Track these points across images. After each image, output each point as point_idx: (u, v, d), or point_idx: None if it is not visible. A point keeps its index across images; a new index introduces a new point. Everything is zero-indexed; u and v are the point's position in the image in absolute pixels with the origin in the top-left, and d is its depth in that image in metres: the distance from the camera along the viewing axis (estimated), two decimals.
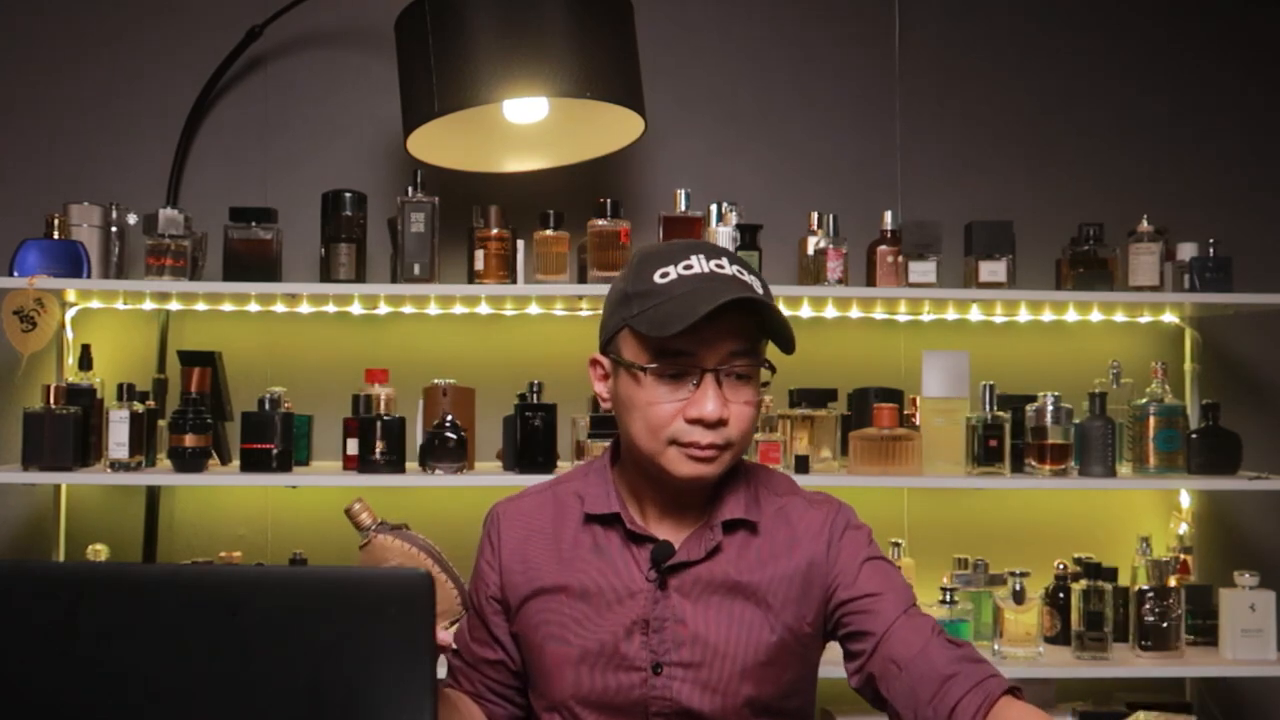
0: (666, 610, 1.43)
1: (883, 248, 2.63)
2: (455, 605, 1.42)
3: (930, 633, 1.39)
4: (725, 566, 1.45)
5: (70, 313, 2.70)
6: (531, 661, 1.48)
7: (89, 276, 2.51)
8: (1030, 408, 2.58)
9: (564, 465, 2.57)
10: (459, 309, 2.76)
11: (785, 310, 2.76)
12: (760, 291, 1.41)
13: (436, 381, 2.55)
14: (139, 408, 2.46)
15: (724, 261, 1.40)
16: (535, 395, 2.55)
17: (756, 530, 1.47)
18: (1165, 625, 2.52)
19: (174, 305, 2.74)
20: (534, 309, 2.76)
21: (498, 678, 1.52)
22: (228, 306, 2.75)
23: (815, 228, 2.67)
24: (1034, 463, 2.58)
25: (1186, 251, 2.67)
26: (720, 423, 1.37)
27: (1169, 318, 2.87)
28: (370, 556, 1.42)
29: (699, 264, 1.39)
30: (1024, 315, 2.82)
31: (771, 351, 1.48)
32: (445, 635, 1.31)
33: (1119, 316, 2.85)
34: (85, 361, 2.55)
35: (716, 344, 1.37)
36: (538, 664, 1.47)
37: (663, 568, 1.43)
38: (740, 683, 1.42)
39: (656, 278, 1.39)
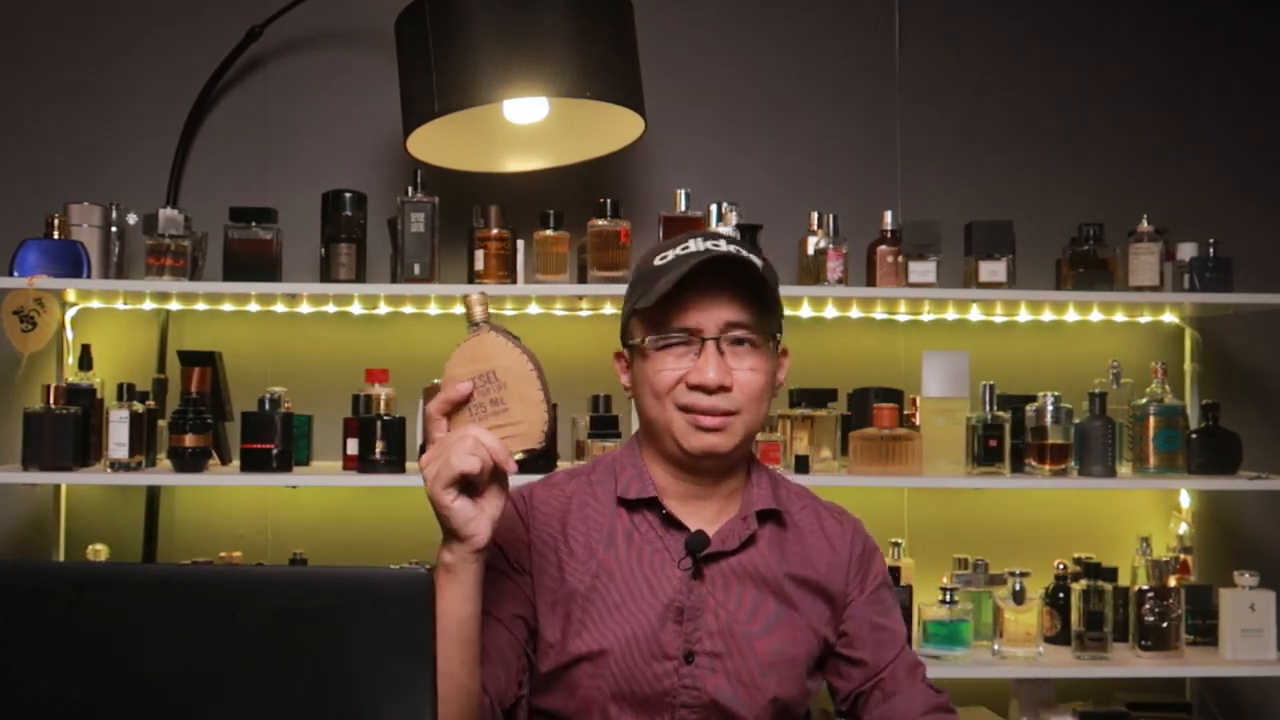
0: (699, 599, 1.45)
1: (883, 248, 2.63)
2: (540, 433, 1.28)
3: (918, 676, 1.53)
4: (757, 559, 1.49)
5: (70, 313, 2.70)
6: (562, 649, 1.46)
7: (89, 276, 2.51)
8: (1030, 408, 2.58)
9: (564, 464, 2.57)
10: (459, 309, 2.76)
11: (785, 310, 2.76)
12: (760, 268, 1.46)
13: (436, 381, 2.54)
14: (139, 408, 2.46)
15: (720, 242, 1.47)
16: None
17: (783, 523, 1.53)
18: (1165, 625, 2.52)
19: (174, 305, 2.74)
20: (534, 309, 2.76)
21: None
22: (228, 306, 2.75)
23: (815, 228, 2.67)
24: (1034, 463, 2.58)
25: (1186, 251, 2.67)
26: (722, 389, 1.43)
27: (1169, 318, 2.87)
28: (472, 350, 1.29)
29: (695, 244, 1.46)
30: (1024, 315, 2.82)
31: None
32: (513, 464, 1.25)
33: (1119, 316, 2.85)
34: (85, 361, 2.55)
35: (713, 313, 1.43)
36: (567, 654, 1.45)
37: (698, 557, 1.46)
38: (765, 677, 1.45)
39: (657, 260, 1.47)
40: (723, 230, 2.58)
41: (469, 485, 1.26)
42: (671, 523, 1.48)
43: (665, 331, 1.44)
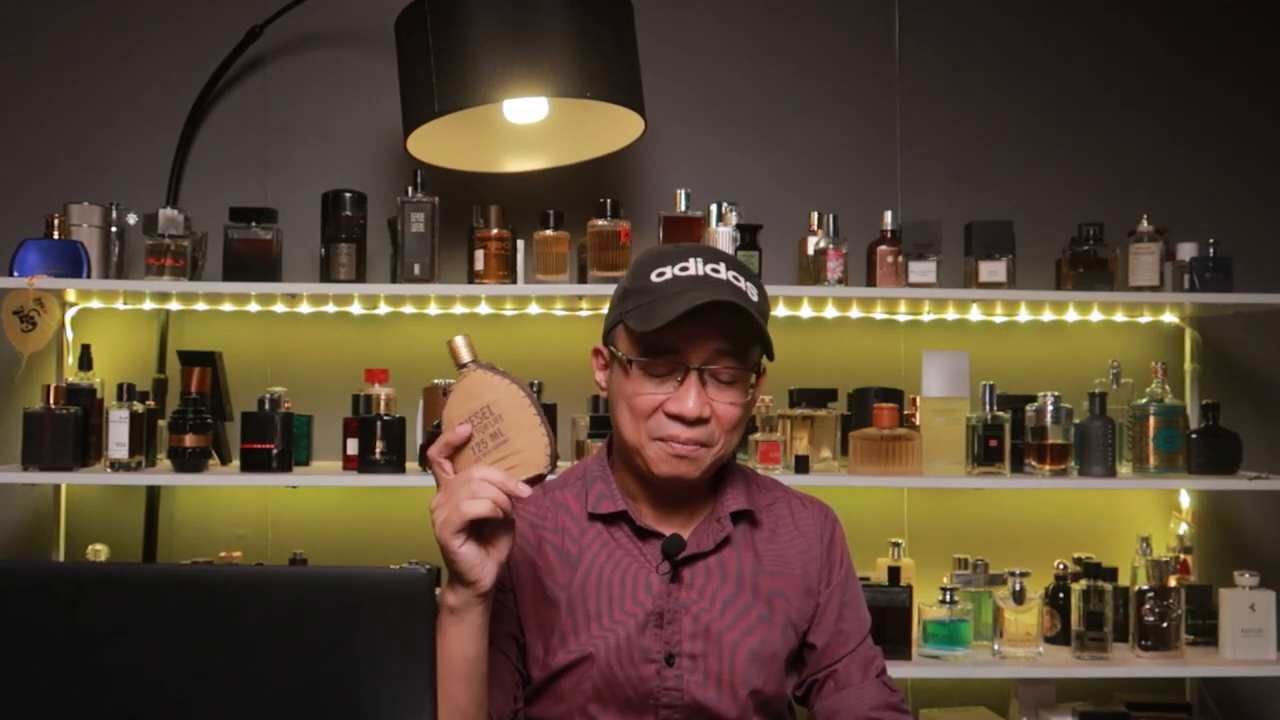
0: (678, 602, 1.46)
1: (883, 248, 2.63)
2: (544, 457, 1.29)
3: (873, 671, 1.54)
4: (732, 559, 1.50)
5: (70, 313, 2.70)
6: (545, 664, 1.47)
7: (89, 276, 2.51)
8: (1030, 408, 2.58)
9: (564, 464, 2.57)
10: (459, 309, 2.76)
11: (785, 310, 2.77)
12: (754, 298, 1.44)
13: (436, 381, 2.55)
14: (139, 408, 2.46)
15: (720, 266, 1.43)
16: (535, 395, 2.55)
17: (756, 522, 1.53)
18: (1165, 625, 2.52)
19: (174, 305, 2.74)
20: (534, 309, 2.76)
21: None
22: (228, 306, 2.75)
23: (815, 228, 2.67)
24: (1034, 463, 2.58)
25: (1186, 251, 2.67)
26: (700, 421, 1.41)
27: (1169, 318, 2.87)
28: (464, 391, 1.30)
29: (695, 266, 1.43)
30: (1024, 315, 2.82)
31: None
32: (524, 488, 1.26)
33: (1119, 316, 2.85)
34: (85, 361, 2.55)
35: (702, 344, 1.41)
36: (552, 665, 1.46)
37: (675, 560, 1.46)
38: (745, 673, 1.46)
39: (653, 276, 1.43)
40: (719, 237, 2.58)
41: (478, 529, 1.27)
42: (645, 532, 1.48)
43: (652, 355, 1.42)
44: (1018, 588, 2.50)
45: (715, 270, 1.42)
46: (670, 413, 1.41)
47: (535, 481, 1.29)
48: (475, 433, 1.29)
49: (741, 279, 1.43)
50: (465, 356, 1.32)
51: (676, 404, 1.40)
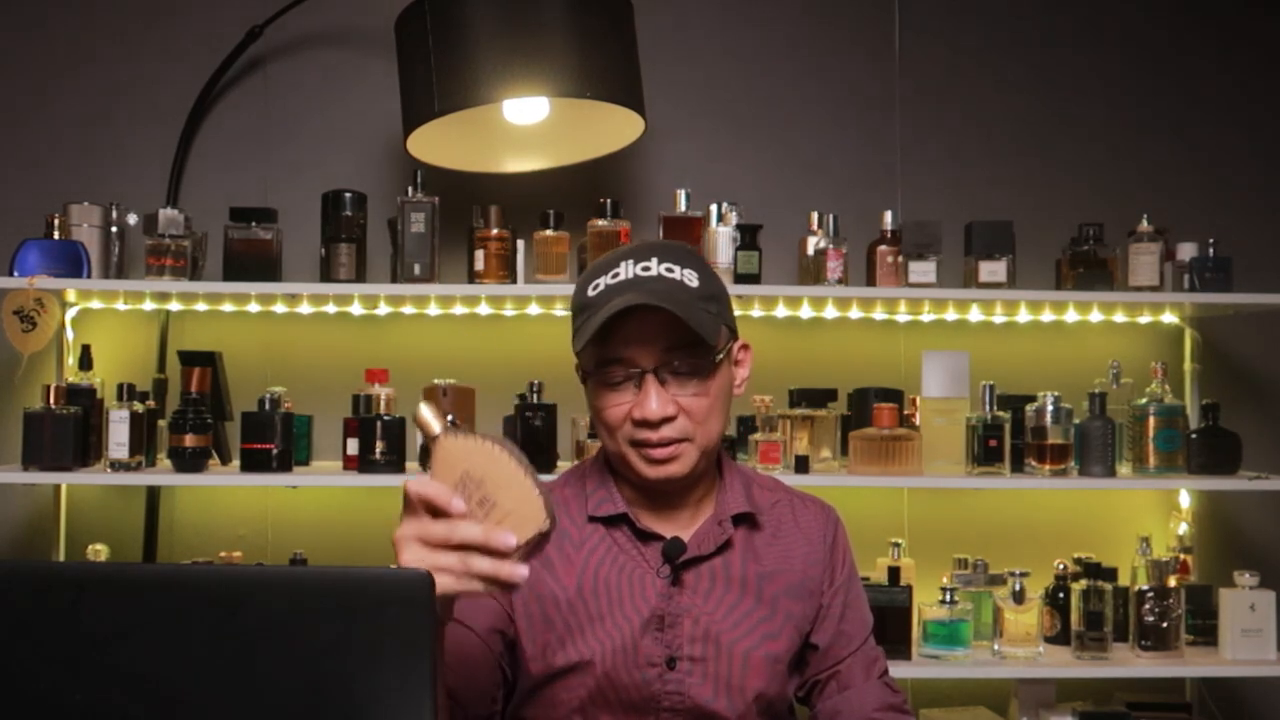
0: (679, 605, 1.45)
1: (883, 248, 2.63)
2: (539, 511, 1.15)
3: (875, 672, 1.55)
4: (733, 562, 1.49)
5: (70, 313, 2.70)
6: (543, 662, 1.46)
7: (89, 276, 2.51)
8: (1030, 408, 2.58)
9: (564, 465, 2.57)
10: (459, 309, 2.76)
11: (785, 310, 2.77)
12: (694, 284, 1.41)
13: (436, 381, 2.55)
14: (139, 408, 2.46)
15: (651, 262, 1.41)
16: (535, 395, 2.55)
17: (757, 524, 1.52)
18: (1165, 625, 2.52)
19: (174, 305, 2.74)
20: (534, 309, 2.76)
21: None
22: (228, 306, 2.75)
23: (815, 228, 2.67)
24: (1034, 463, 2.58)
25: (1186, 251, 2.67)
26: (666, 420, 1.40)
27: (1169, 318, 2.87)
28: (440, 464, 1.18)
29: (625, 270, 1.41)
30: (1024, 315, 2.82)
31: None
32: (521, 570, 1.12)
33: (1119, 316, 2.85)
34: (85, 361, 2.55)
35: (648, 345, 1.39)
36: (549, 667, 1.45)
37: (676, 564, 1.46)
38: (748, 678, 1.45)
39: (589, 291, 1.42)
40: (719, 237, 2.58)
41: None
42: (645, 535, 1.48)
43: (603, 367, 1.41)
44: (1018, 588, 2.50)
45: (645, 269, 1.40)
46: (635, 419, 1.41)
47: (541, 542, 1.16)
48: (465, 502, 1.17)
49: (678, 268, 1.41)
50: (435, 429, 1.19)
51: (639, 409, 1.40)
